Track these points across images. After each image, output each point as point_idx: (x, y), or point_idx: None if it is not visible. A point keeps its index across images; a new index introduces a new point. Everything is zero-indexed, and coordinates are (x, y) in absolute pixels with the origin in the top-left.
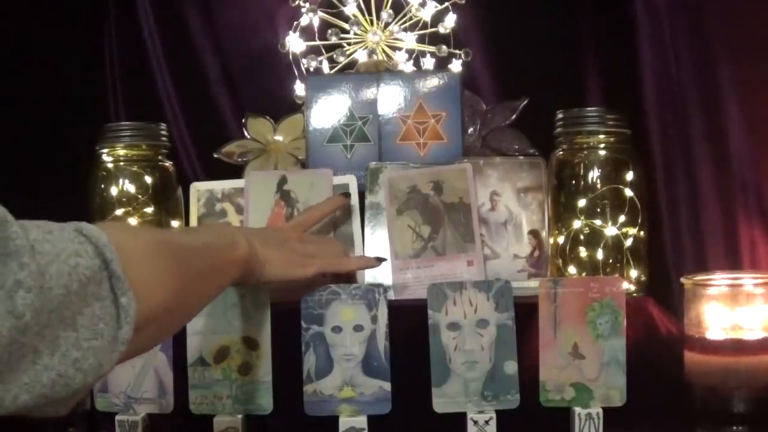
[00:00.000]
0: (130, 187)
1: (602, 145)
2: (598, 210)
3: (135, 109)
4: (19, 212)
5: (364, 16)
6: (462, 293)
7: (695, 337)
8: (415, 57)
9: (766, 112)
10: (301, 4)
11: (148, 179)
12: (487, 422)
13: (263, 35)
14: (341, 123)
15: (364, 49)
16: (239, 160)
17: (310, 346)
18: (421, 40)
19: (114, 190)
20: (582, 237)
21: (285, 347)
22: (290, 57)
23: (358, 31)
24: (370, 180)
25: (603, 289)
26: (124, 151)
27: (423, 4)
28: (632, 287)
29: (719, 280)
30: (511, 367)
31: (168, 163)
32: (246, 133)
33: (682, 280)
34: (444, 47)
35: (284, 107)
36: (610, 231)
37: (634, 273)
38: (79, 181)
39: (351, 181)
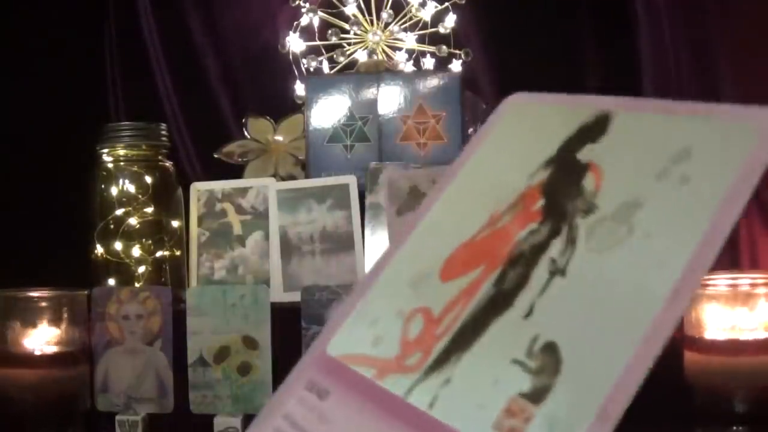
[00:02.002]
0: (130, 187)
1: None
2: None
3: (135, 109)
4: (21, 212)
5: (364, 16)
6: None
7: (695, 337)
8: (415, 57)
9: None
10: (301, 4)
11: (148, 179)
12: None
13: (263, 35)
14: (341, 123)
15: (364, 49)
16: (239, 160)
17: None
18: (421, 40)
19: (114, 190)
20: None
21: (285, 347)
22: (290, 57)
23: (358, 31)
24: (370, 180)
25: None
26: (124, 151)
27: (423, 4)
28: None
29: (719, 280)
30: None
31: (168, 163)
32: (246, 133)
33: None
34: (444, 47)
35: (284, 107)
36: None
37: None
38: (79, 181)
39: (351, 182)
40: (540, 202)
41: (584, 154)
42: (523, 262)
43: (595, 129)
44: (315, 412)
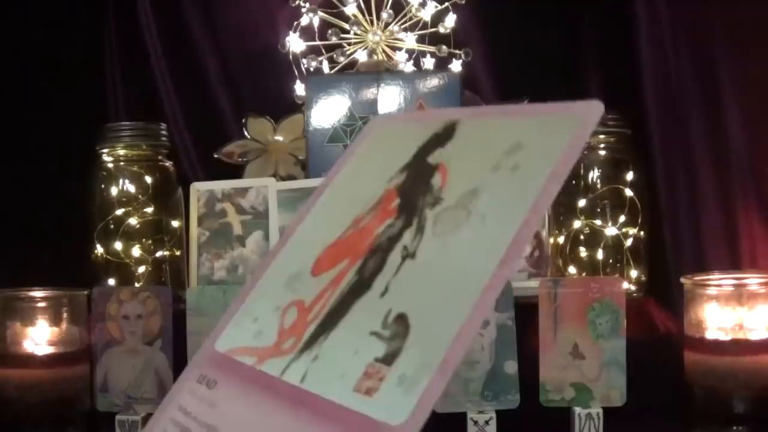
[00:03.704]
0: (130, 187)
1: (602, 145)
2: (598, 210)
3: (135, 109)
4: (21, 213)
5: (364, 16)
6: None
7: (695, 337)
8: (415, 57)
9: (766, 112)
10: (301, 4)
11: (148, 179)
12: (487, 422)
13: (263, 35)
14: (341, 123)
15: (364, 49)
16: (239, 160)
17: None
18: (421, 40)
19: (114, 190)
20: (582, 237)
21: None
22: (290, 57)
23: (358, 31)
24: None
25: (603, 289)
26: (124, 151)
27: (423, 4)
28: (632, 287)
29: (719, 280)
30: (511, 367)
31: (168, 163)
32: (246, 133)
33: (682, 280)
34: (444, 47)
35: (284, 107)
36: (610, 231)
37: (634, 273)
38: (79, 181)
39: None
40: (396, 201)
41: (434, 157)
42: (380, 251)
43: (443, 135)
44: (204, 400)
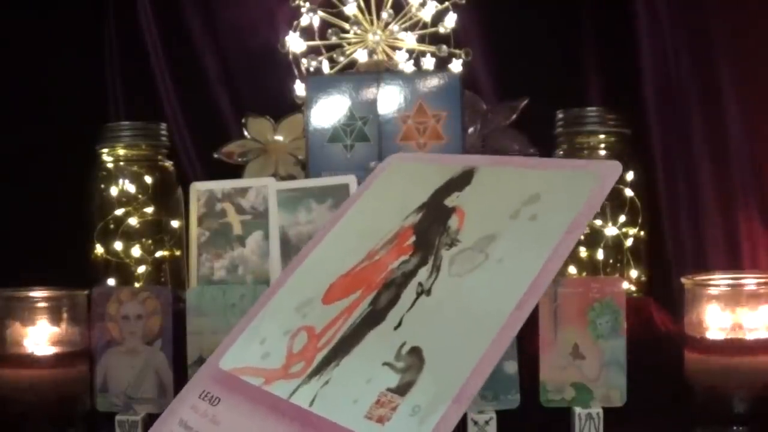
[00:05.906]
0: (130, 187)
1: (602, 145)
2: (598, 210)
3: (135, 109)
4: (21, 213)
5: (364, 16)
6: None
7: (695, 338)
8: (415, 57)
9: (766, 112)
10: (301, 4)
11: (148, 179)
12: (487, 422)
13: (263, 35)
14: (341, 123)
15: (364, 49)
16: (239, 160)
17: None
18: (421, 40)
19: (114, 190)
20: (582, 237)
21: None
22: (290, 57)
23: (358, 31)
24: None
25: (603, 289)
26: (124, 151)
27: (423, 4)
28: (632, 287)
29: (719, 280)
30: (511, 367)
31: (168, 163)
32: (246, 133)
33: (682, 280)
34: (444, 47)
35: (284, 107)
36: (610, 231)
37: (634, 273)
38: (79, 181)
39: (351, 181)
40: (411, 239)
41: (451, 200)
42: (394, 285)
43: (461, 180)
44: (207, 416)
